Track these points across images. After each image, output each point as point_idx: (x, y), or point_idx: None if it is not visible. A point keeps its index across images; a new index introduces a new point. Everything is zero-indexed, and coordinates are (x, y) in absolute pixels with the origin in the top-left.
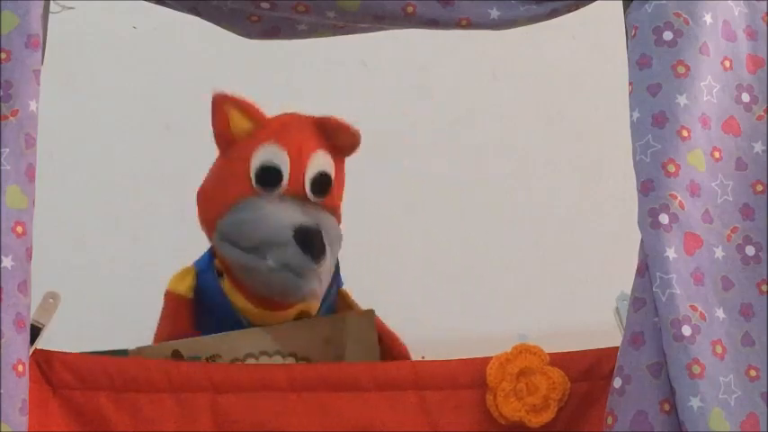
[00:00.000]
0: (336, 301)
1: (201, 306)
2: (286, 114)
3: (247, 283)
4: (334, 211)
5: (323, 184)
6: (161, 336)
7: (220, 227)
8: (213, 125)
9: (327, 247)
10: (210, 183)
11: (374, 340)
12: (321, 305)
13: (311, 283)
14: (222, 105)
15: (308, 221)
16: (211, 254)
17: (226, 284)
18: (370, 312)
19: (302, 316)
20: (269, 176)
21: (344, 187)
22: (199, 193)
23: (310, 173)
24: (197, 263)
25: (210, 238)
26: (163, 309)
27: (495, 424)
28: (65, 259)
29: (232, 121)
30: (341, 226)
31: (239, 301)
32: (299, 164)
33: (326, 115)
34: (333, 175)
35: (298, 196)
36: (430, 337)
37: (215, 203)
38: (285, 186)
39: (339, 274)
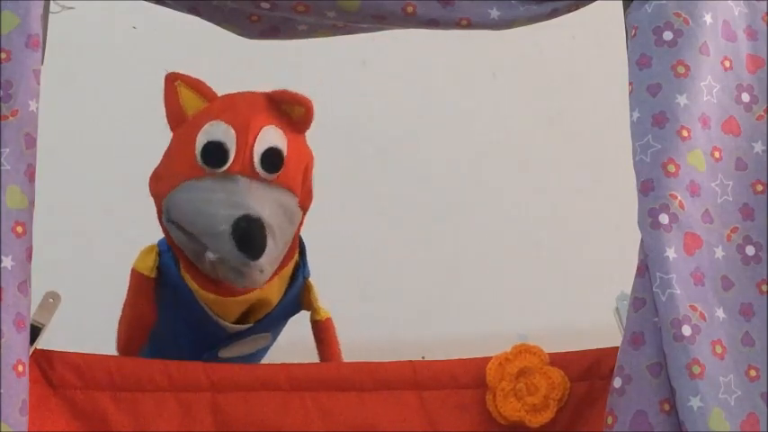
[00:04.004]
0: (302, 292)
1: (163, 285)
2: (238, 92)
3: (198, 266)
4: (292, 188)
5: (273, 160)
6: (124, 313)
7: (166, 206)
8: (165, 104)
9: (270, 239)
10: (161, 161)
11: None
12: (285, 294)
13: (252, 276)
14: (173, 83)
15: (249, 210)
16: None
17: (181, 266)
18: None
19: (261, 302)
20: (214, 154)
21: (308, 163)
22: (151, 176)
23: (258, 148)
24: (160, 242)
25: (159, 218)
26: (128, 287)
27: (495, 424)
28: (65, 259)
29: (182, 99)
30: (302, 204)
31: (193, 284)
32: (245, 140)
33: (279, 89)
34: (285, 151)
35: (246, 174)
36: (430, 337)
37: (162, 182)
38: (232, 164)
39: (306, 264)
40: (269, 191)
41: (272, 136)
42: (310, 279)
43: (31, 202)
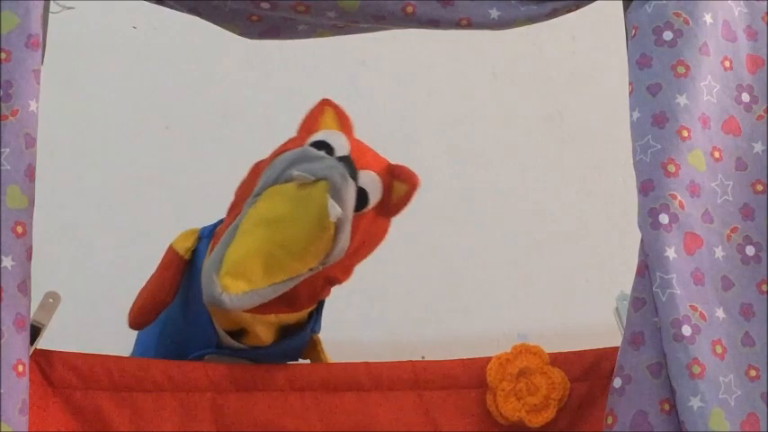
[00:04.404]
0: (307, 346)
1: (192, 269)
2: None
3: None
4: (354, 239)
5: (360, 199)
6: (146, 284)
7: (258, 182)
8: (305, 117)
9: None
10: (270, 156)
11: None
12: (283, 339)
13: (340, 197)
14: (324, 105)
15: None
16: (216, 224)
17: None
18: None
19: (252, 334)
20: (323, 146)
21: (372, 243)
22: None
23: (358, 179)
24: (203, 228)
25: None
26: (160, 261)
27: (496, 424)
28: (65, 259)
29: (323, 118)
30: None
31: None
32: (355, 159)
33: (402, 165)
34: (371, 203)
35: (351, 165)
36: (430, 337)
37: (259, 164)
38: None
39: (319, 320)
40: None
41: (373, 182)
42: (318, 335)
43: (31, 202)
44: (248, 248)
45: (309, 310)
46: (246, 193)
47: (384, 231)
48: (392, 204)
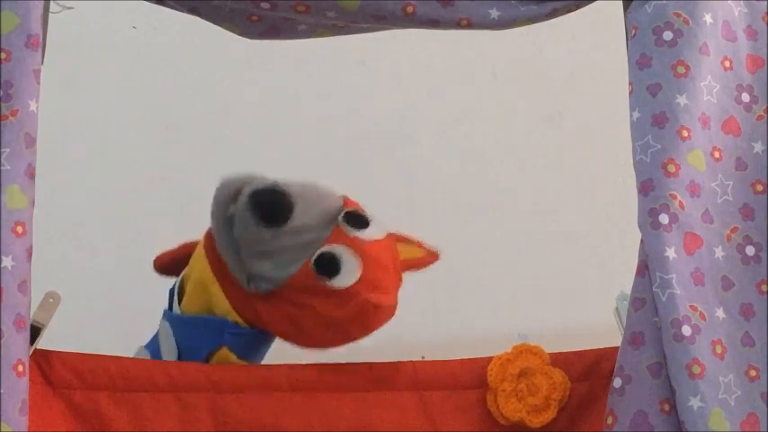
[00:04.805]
0: None
1: None
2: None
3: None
4: None
5: (331, 265)
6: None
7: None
8: None
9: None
10: None
11: None
12: None
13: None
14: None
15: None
16: None
17: None
18: None
19: None
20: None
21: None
22: None
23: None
24: None
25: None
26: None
27: (496, 424)
28: (65, 259)
29: None
30: None
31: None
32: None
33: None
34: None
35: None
36: (430, 337)
37: None
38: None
39: None
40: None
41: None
42: None
43: (31, 202)
44: None
45: None
46: None
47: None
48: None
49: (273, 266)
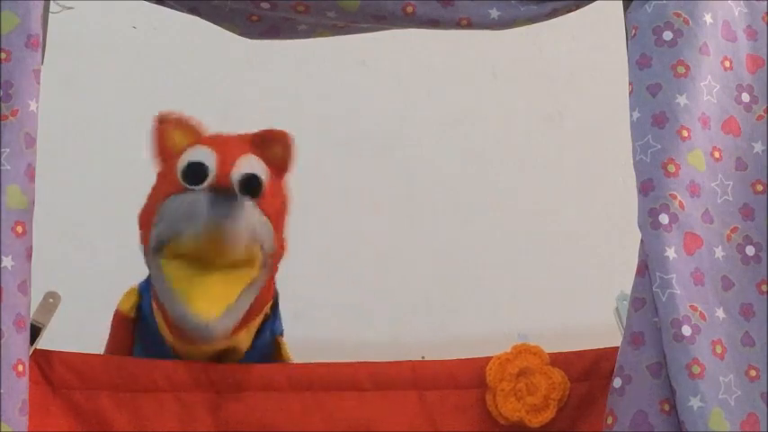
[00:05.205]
0: (271, 349)
1: (141, 325)
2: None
3: (167, 308)
4: (269, 214)
5: (252, 185)
6: (106, 351)
7: (151, 235)
8: (154, 145)
9: (244, 222)
10: (147, 197)
11: None
12: (252, 346)
13: (228, 237)
14: (164, 126)
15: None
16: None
17: (154, 307)
18: None
19: (229, 351)
20: (195, 172)
21: (284, 202)
22: (139, 212)
23: (237, 171)
24: (140, 284)
25: (145, 254)
26: (110, 324)
27: (495, 424)
28: (65, 259)
29: (172, 141)
30: (283, 240)
31: (163, 327)
32: (225, 162)
33: (262, 130)
34: (264, 180)
35: (226, 192)
36: (430, 337)
37: (147, 213)
38: (212, 181)
39: (278, 319)
40: (246, 208)
41: (252, 163)
42: (282, 337)
43: (31, 202)
44: (195, 286)
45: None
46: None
47: (286, 186)
48: (279, 166)
49: None
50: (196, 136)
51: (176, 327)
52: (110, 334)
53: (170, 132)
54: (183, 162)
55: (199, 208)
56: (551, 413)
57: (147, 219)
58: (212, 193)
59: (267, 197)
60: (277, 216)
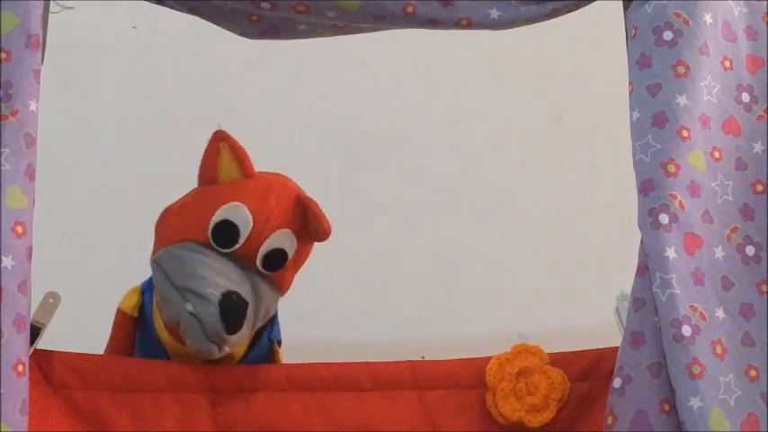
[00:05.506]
0: (267, 357)
1: (143, 324)
2: (273, 176)
3: (164, 312)
4: (281, 287)
5: (276, 261)
6: (107, 349)
7: (163, 252)
8: (203, 159)
9: (246, 323)
10: (176, 211)
11: None
12: (248, 352)
13: (218, 346)
14: (218, 143)
15: (239, 290)
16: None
17: (154, 307)
18: None
19: (223, 359)
20: (226, 233)
21: (302, 264)
22: (163, 213)
23: (267, 246)
24: (144, 283)
25: (152, 257)
26: (112, 323)
27: (495, 424)
28: (65, 259)
29: (221, 162)
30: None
31: (160, 328)
32: (259, 233)
33: (310, 198)
34: (290, 255)
35: (247, 261)
36: (430, 337)
37: (169, 228)
38: (238, 248)
39: (275, 326)
40: (259, 282)
41: (283, 239)
42: (277, 345)
43: (31, 202)
44: None
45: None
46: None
47: (310, 250)
48: (312, 237)
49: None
50: (245, 171)
51: (175, 330)
52: (111, 333)
53: (222, 154)
54: (217, 217)
55: (207, 303)
56: (551, 413)
57: (166, 232)
58: (222, 311)
59: (287, 270)
60: (288, 284)
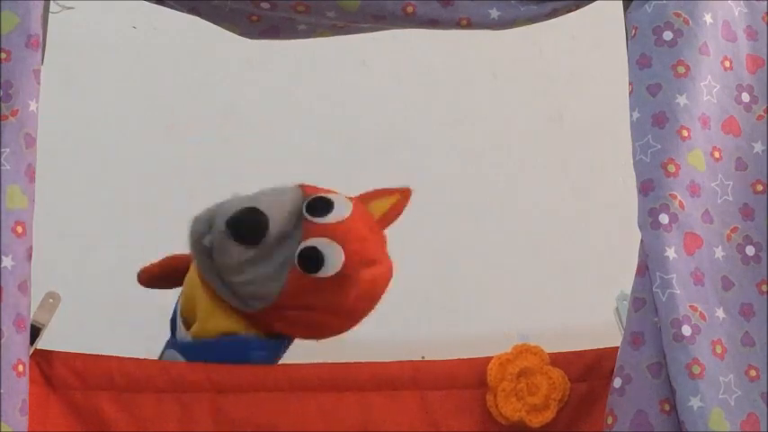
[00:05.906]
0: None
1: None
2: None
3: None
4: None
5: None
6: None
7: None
8: (377, 191)
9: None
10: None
11: None
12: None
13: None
14: (403, 193)
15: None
16: None
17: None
18: None
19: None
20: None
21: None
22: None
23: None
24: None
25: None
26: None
27: (496, 424)
28: (65, 259)
29: (381, 200)
30: None
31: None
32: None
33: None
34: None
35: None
36: (430, 336)
37: None
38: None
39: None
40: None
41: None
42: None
43: (31, 202)
44: None
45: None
46: None
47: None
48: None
49: (262, 285)
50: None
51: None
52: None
53: (386, 198)
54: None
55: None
56: (552, 413)
57: None
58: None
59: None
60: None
